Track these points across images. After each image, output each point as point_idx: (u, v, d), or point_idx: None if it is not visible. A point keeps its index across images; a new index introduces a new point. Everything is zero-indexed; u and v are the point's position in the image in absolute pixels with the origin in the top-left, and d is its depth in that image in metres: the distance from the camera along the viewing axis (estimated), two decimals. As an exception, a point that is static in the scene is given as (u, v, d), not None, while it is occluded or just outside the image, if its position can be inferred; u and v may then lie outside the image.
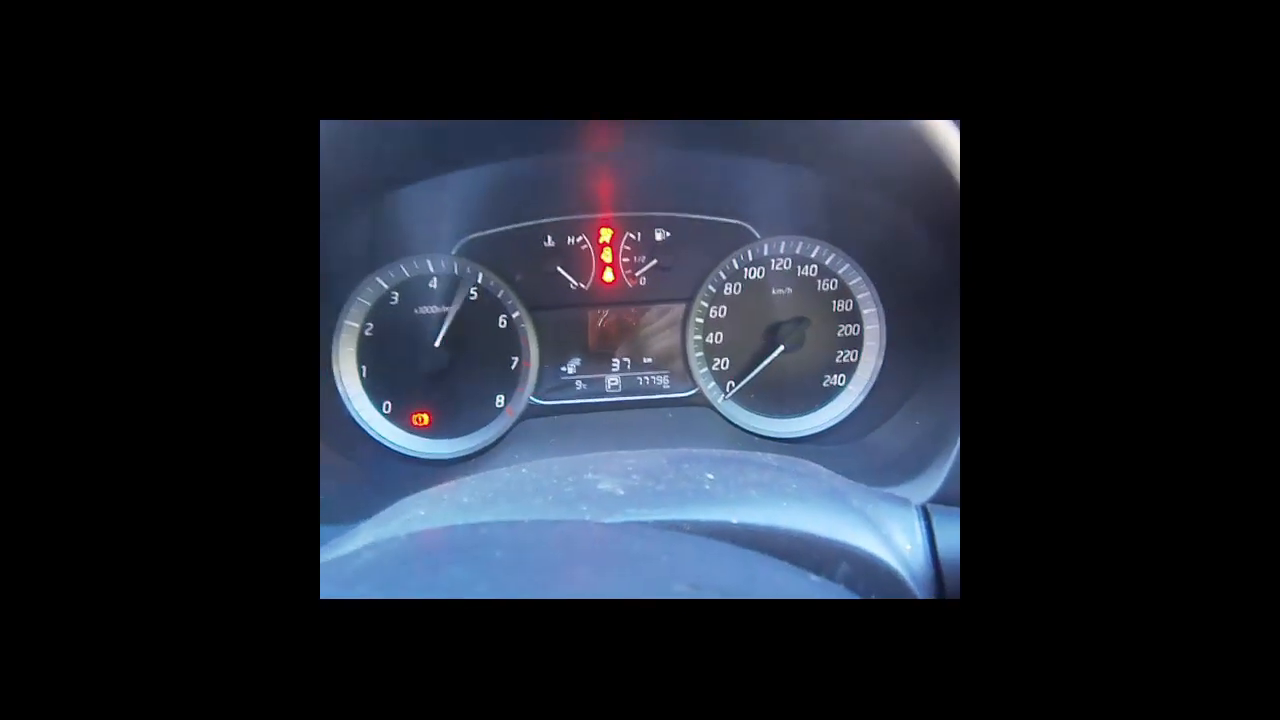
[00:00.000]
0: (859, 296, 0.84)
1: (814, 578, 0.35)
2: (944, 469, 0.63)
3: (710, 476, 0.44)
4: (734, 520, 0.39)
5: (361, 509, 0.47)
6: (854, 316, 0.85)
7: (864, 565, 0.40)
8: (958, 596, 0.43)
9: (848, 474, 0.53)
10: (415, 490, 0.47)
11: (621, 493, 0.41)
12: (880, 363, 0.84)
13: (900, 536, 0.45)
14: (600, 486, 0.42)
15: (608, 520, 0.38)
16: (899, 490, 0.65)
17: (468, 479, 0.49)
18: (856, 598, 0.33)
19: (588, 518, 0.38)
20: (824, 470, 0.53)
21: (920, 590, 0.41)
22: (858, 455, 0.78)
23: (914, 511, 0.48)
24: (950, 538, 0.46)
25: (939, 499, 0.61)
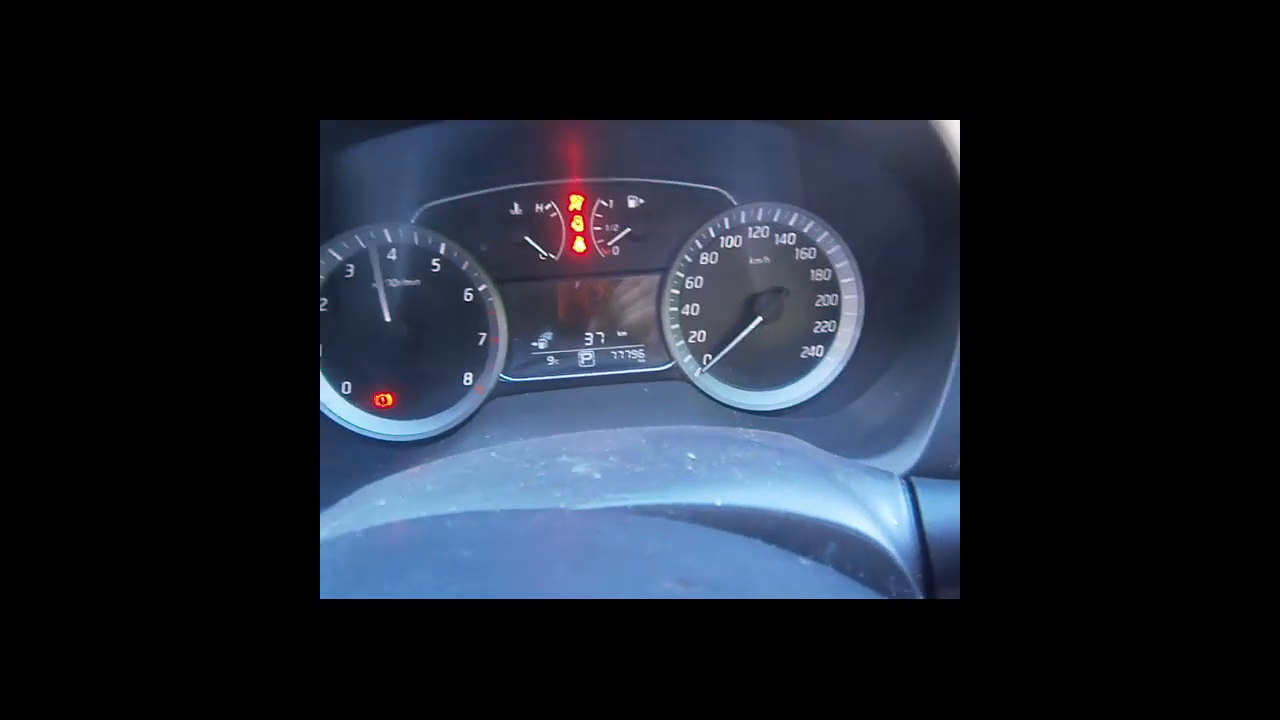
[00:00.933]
0: (837, 266, 0.83)
1: (804, 561, 0.34)
2: (924, 440, 0.62)
3: (692, 456, 0.42)
4: (718, 503, 0.37)
5: (324, 495, 0.44)
6: (832, 286, 0.83)
7: (852, 543, 0.39)
8: (945, 571, 0.42)
9: (827, 446, 0.52)
10: (378, 476, 0.44)
11: (598, 476, 0.39)
12: (859, 333, 0.83)
13: (886, 511, 0.44)
14: (575, 470, 0.40)
15: (584, 507, 0.36)
16: (879, 462, 0.65)
17: (433, 464, 0.46)
18: (854, 598, 0.32)
19: (562, 505, 0.36)
20: (808, 445, 0.51)
21: (907, 565, 0.40)
22: (837, 427, 0.77)
23: (899, 485, 0.47)
24: (934, 510, 0.45)
25: (919, 470, 0.61)
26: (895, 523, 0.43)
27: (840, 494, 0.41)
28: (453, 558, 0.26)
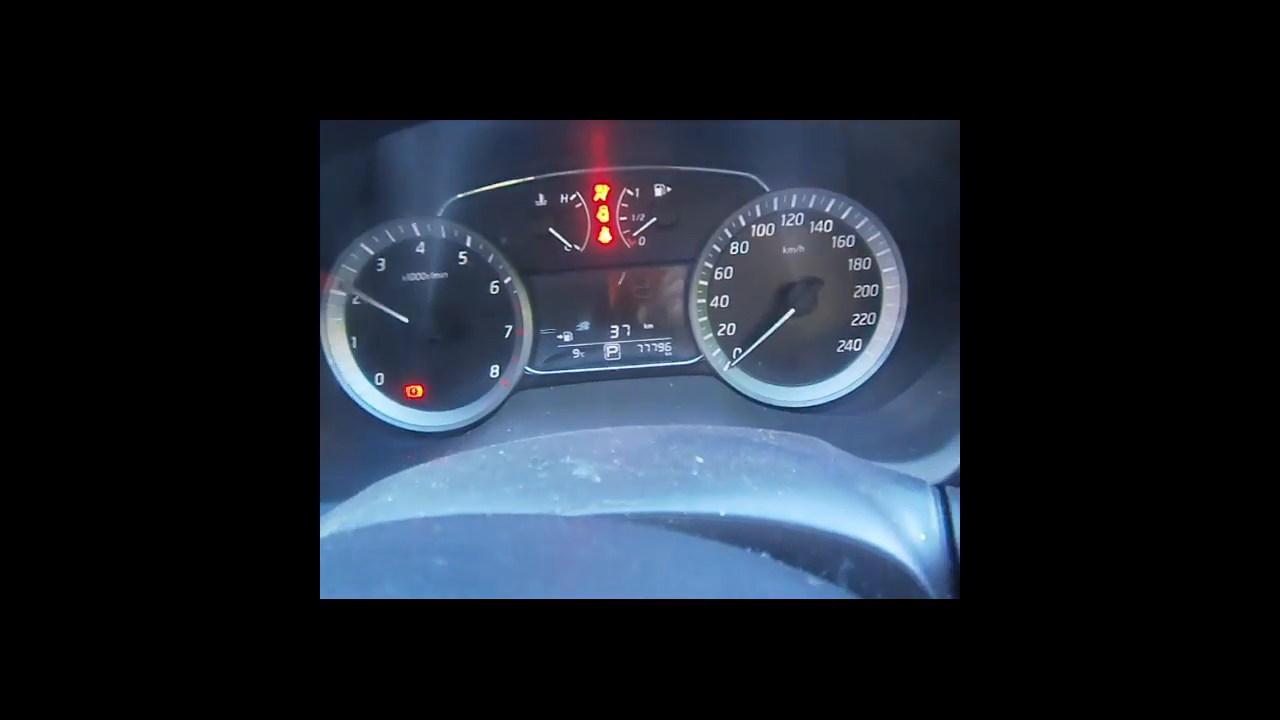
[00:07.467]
0: (878, 254, 0.78)
1: (811, 580, 0.31)
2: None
3: (699, 460, 0.40)
4: (721, 512, 0.35)
5: (354, 485, 0.45)
6: (872, 276, 0.78)
7: (869, 559, 0.36)
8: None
9: (862, 447, 0.49)
10: (409, 465, 0.45)
11: (598, 480, 0.38)
12: (900, 326, 0.78)
13: (913, 525, 0.40)
14: (576, 473, 0.39)
15: (579, 512, 0.34)
16: (917, 465, 0.60)
17: (444, 460, 0.46)
18: (851, 597, 0.31)
19: (558, 509, 0.35)
20: (833, 450, 0.48)
21: (933, 586, 0.37)
22: (874, 426, 0.73)
23: (929, 495, 0.43)
24: (970, 524, 0.41)
25: (957, 479, 0.57)
26: (923, 537, 0.40)
27: (860, 505, 0.38)
28: (426, 567, 0.25)
